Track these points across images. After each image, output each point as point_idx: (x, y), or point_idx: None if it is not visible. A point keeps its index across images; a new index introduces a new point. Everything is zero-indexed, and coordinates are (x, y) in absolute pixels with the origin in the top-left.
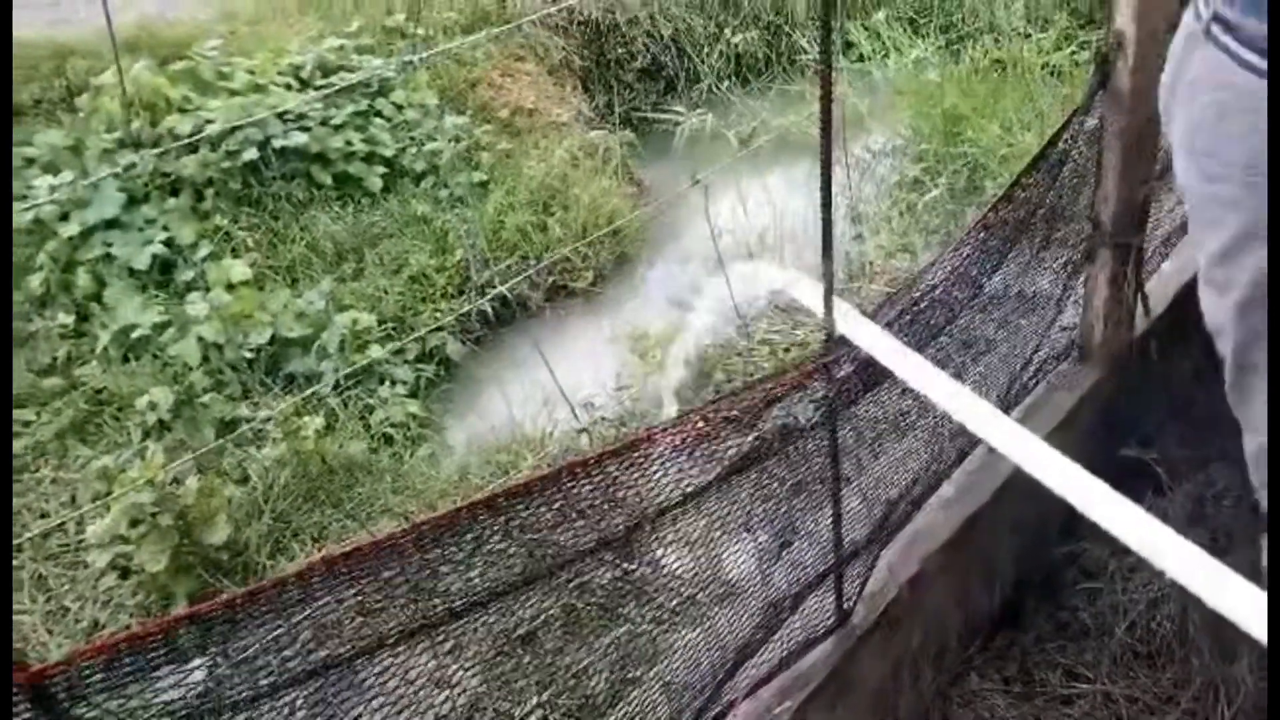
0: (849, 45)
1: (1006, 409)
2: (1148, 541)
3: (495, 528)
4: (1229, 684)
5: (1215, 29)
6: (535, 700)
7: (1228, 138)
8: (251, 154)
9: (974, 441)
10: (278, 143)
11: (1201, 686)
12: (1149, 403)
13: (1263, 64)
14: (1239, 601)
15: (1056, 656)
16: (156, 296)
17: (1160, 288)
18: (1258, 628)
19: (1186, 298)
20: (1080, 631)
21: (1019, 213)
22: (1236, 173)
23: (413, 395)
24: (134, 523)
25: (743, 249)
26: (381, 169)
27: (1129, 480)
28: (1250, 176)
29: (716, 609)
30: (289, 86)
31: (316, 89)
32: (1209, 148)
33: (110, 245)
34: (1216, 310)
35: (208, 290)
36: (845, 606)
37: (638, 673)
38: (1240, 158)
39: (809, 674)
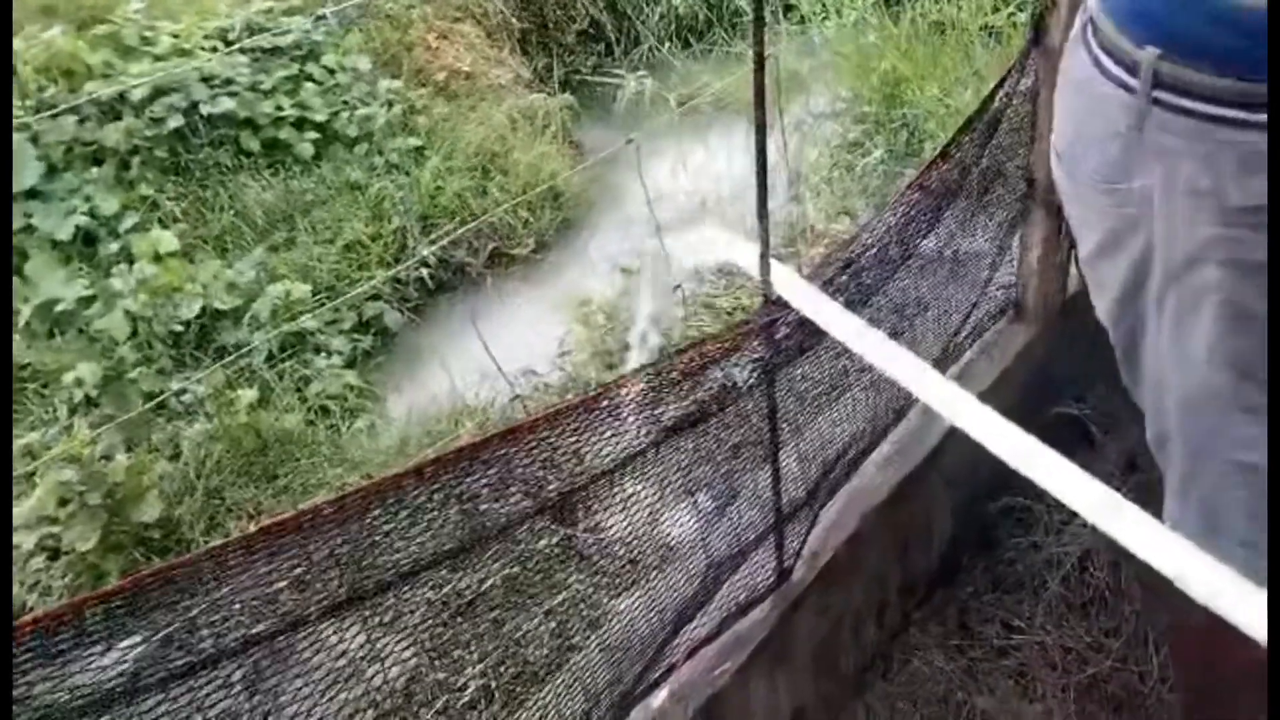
0: (789, 7)
1: (943, 367)
2: (1079, 496)
3: (428, 496)
4: (1157, 631)
5: (1088, 29)
6: (474, 670)
7: (1086, 144)
8: (178, 121)
9: (911, 400)
10: (205, 109)
11: (1132, 634)
12: (1082, 359)
13: (1117, 71)
14: (1155, 546)
15: (993, 609)
16: (81, 269)
17: None
18: (1162, 564)
19: None
20: (1016, 584)
21: (955, 172)
22: (1095, 180)
23: (349, 366)
24: (62, 502)
25: (683, 213)
26: (313, 135)
27: (1063, 435)
28: (1106, 184)
29: (657, 572)
30: (215, 50)
31: (244, 52)
32: (1071, 151)
33: (30, 216)
34: (1098, 305)
35: (134, 262)
36: (785, 566)
37: (577, 639)
38: (1098, 165)
39: (749, 634)
